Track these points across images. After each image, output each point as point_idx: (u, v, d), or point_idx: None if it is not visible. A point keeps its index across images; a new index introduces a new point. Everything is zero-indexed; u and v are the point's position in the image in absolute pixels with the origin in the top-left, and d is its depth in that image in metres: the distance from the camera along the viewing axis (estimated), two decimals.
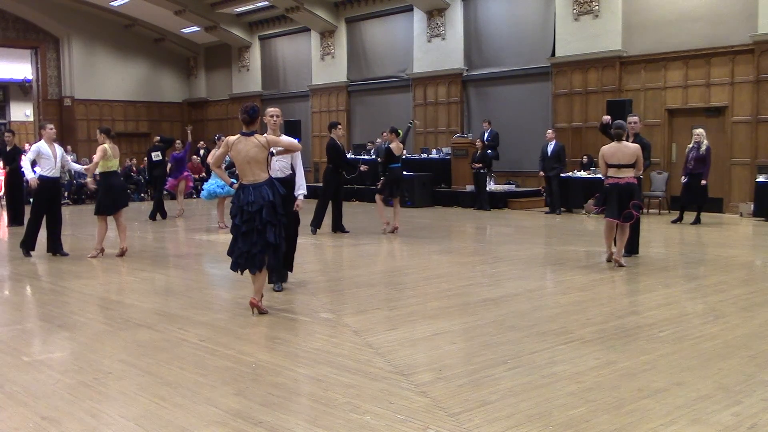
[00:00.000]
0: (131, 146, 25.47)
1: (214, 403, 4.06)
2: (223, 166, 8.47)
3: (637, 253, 9.10)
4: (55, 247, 9.90)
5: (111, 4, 23.87)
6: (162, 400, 4.11)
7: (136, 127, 26.33)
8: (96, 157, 9.57)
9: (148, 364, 4.83)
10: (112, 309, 6.69)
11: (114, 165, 9.65)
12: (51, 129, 9.94)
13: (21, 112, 32.66)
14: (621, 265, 8.29)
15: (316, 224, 11.89)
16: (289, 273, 7.48)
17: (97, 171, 9.66)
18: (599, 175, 10.55)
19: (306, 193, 7.02)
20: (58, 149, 9.84)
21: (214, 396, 4.17)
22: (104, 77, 25.47)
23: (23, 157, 9.80)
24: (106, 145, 9.50)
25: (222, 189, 12.52)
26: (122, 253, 9.69)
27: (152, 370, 4.70)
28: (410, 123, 14.81)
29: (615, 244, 8.48)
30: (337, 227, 11.95)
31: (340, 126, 12.21)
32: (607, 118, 9.18)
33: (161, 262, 9.65)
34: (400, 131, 12.23)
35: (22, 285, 8.27)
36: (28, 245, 9.86)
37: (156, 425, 3.75)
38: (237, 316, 6.19)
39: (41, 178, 9.71)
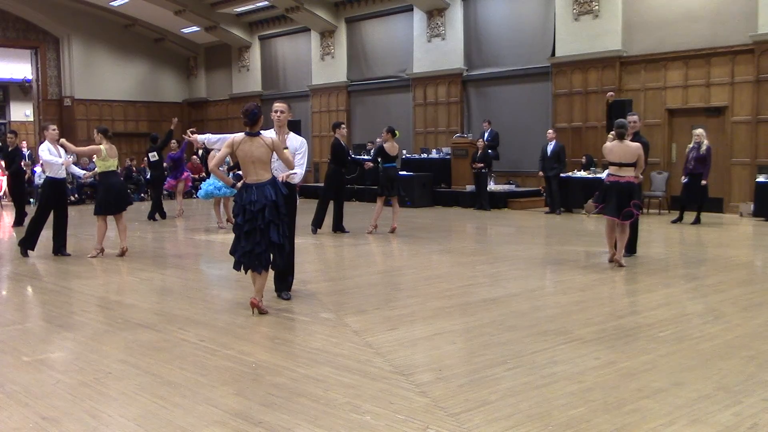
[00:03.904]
0: (131, 146, 25.45)
1: (214, 403, 4.06)
2: (225, 167, 8.46)
3: (635, 252, 9.10)
4: (59, 247, 9.89)
5: (111, 4, 23.86)
6: (162, 400, 4.11)
7: (136, 127, 26.29)
8: (84, 150, 10.13)
9: (148, 364, 4.83)
10: (112, 309, 6.69)
11: (112, 165, 9.65)
12: (54, 130, 9.94)
13: (21, 112, 32.63)
14: (621, 266, 8.30)
15: (317, 224, 11.91)
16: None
17: (96, 171, 9.75)
18: (599, 175, 10.54)
19: (299, 176, 6.51)
20: (62, 150, 9.85)
21: (214, 396, 4.17)
22: (104, 77, 25.46)
23: (40, 154, 9.74)
24: (101, 146, 9.50)
25: (219, 190, 12.52)
26: (122, 253, 9.70)
27: (152, 370, 4.70)
28: None
29: (616, 246, 8.49)
30: (338, 227, 11.95)
31: (344, 126, 12.23)
32: (611, 94, 9.44)
33: (161, 262, 9.65)
34: (397, 132, 12.25)
35: (22, 285, 8.27)
36: (27, 244, 9.85)
37: (156, 425, 3.75)
38: (237, 316, 6.19)
39: (48, 179, 9.70)
